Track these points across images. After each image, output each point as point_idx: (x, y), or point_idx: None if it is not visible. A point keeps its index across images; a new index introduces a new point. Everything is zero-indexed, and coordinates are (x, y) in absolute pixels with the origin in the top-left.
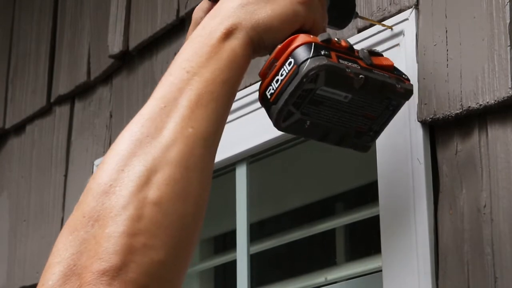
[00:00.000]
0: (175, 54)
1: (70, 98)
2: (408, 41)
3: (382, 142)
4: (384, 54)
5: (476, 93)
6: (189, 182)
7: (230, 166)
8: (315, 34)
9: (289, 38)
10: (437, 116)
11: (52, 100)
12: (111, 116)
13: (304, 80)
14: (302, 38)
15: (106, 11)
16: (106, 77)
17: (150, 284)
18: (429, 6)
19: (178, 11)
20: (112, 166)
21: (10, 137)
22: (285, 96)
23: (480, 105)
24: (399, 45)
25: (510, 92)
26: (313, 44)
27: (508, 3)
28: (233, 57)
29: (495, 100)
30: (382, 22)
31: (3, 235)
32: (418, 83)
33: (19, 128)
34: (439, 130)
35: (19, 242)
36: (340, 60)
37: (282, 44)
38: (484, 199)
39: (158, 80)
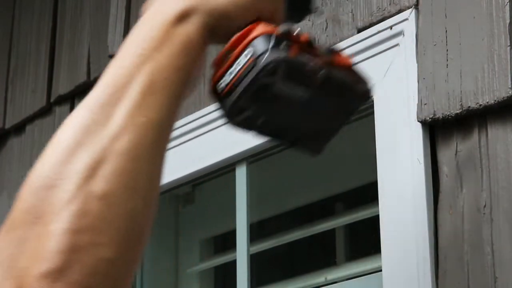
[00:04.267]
0: None
1: (70, 98)
2: (408, 41)
3: (382, 142)
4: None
5: (476, 93)
6: (138, 174)
7: (230, 166)
8: (274, 25)
9: (247, 28)
10: (437, 116)
11: (52, 100)
12: None
13: (262, 74)
14: (261, 28)
15: (106, 11)
16: None
17: (96, 284)
18: (429, 6)
19: None
20: (54, 157)
21: (10, 137)
22: (239, 89)
23: (480, 105)
24: (399, 45)
25: (510, 92)
26: (272, 35)
27: (508, 3)
28: (188, 42)
29: (495, 100)
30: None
31: None
32: (418, 83)
33: (19, 128)
34: (439, 130)
35: None
36: (300, 54)
37: (239, 34)
38: (484, 199)
39: None
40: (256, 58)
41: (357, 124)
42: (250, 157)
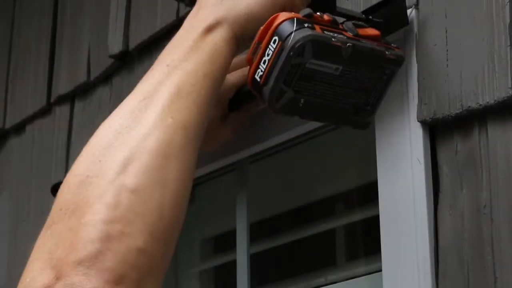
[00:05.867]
0: None
1: (70, 98)
2: (408, 41)
3: (382, 142)
4: None
5: (476, 93)
6: (167, 170)
7: (230, 166)
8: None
9: (270, 19)
10: (437, 116)
11: (52, 100)
12: None
13: (291, 54)
14: (283, 15)
15: (106, 11)
16: (106, 77)
17: (128, 272)
18: (429, 6)
19: (178, 11)
20: (89, 158)
21: (10, 137)
22: (275, 74)
23: (480, 105)
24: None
25: (510, 92)
26: (295, 19)
27: (508, 3)
28: (215, 50)
29: (495, 100)
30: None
31: (3, 235)
32: (418, 83)
33: (19, 128)
34: (439, 130)
35: (19, 242)
36: (324, 32)
37: (264, 26)
38: (484, 199)
39: None
40: (283, 41)
41: None
42: (250, 157)
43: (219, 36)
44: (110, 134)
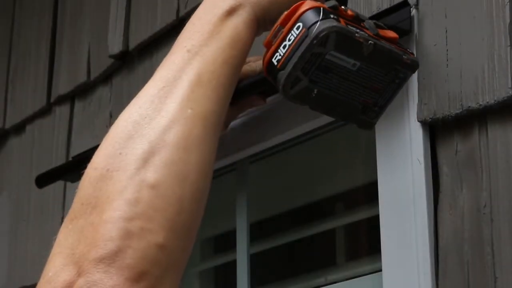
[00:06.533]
0: None
1: (70, 98)
2: (408, 41)
3: (382, 142)
4: None
5: (476, 93)
6: (187, 163)
7: (230, 166)
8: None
9: (295, 5)
10: (437, 116)
11: (52, 100)
12: (111, 116)
13: (314, 42)
14: (309, 3)
15: (106, 11)
16: (106, 77)
17: (148, 269)
18: (429, 6)
19: (178, 11)
20: (109, 150)
21: (10, 137)
22: (294, 60)
23: (480, 105)
24: None
25: (510, 92)
26: (321, 8)
27: (508, 3)
28: (235, 35)
29: (495, 100)
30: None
31: (3, 235)
32: (418, 83)
33: (19, 128)
34: (439, 130)
35: (19, 242)
36: (348, 26)
37: (288, 11)
38: (484, 199)
39: None
40: (307, 29)
41: None
42: (250, 157)
43: (240, 19)
44: (130, 125)
